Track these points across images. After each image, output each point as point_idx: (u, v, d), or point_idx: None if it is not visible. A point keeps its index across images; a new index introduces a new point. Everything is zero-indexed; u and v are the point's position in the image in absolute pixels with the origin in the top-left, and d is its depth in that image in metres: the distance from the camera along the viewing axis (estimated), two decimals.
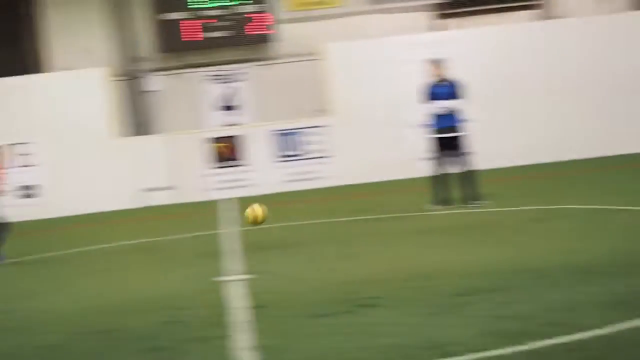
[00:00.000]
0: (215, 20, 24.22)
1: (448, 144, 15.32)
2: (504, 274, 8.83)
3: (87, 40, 24.15)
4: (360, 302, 8.23)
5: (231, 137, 23.36)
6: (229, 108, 24.73)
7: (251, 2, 24.35)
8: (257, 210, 12.39)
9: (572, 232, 11.67)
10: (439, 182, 15.40)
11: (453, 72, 15.84)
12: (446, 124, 15.35)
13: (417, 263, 10.22)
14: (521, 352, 5.92)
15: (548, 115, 22.91)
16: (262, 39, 24.41)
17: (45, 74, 23.87)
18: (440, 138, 15.37)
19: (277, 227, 14.71)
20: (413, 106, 17.05)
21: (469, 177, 15.34)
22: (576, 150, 22.53)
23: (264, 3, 24.37)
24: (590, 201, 14.32)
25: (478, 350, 6.03)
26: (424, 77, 15.90)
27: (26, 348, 7.86)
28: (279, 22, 24.48)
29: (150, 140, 23.41)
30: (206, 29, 24.22)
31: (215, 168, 23.08)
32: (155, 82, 24.39)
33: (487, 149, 18.74)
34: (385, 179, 22.09)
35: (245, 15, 24.25)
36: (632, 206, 13.09)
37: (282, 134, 23.22)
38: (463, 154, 15.36)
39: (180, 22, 24.13)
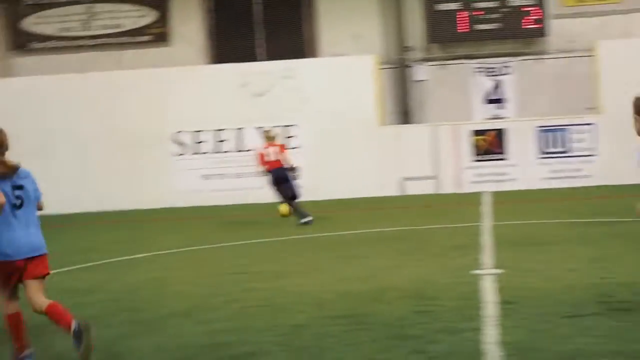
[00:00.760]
0: (483, 13, 23.99)
1: None
2: None
3: (357, 26, 24.61)
4: (613, 305, 7.97)
5: (494, 130, 23.14)
6: (493, 101, 24.50)
7: None
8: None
9: None
10: None
11: None
12: None
13: None
14: None
15: None
16: (535, 33, 23.93)
17: (315, 58, 24.54)
18: None
19: (532, 224, 14.46)
20: None
21: None
22: None
23: None
24: None
25: None
26: None
27: (279, 326, 8.20)
28: (552, 16, 23.93)
29: (415, 130, 23.59)
30: (476, 21, 24.06)
31: (476, 161, 22.96)
32: (423, 72, 24.54)
33: None
34: None
35: (521, 9, 23.85)
36: None
37: (547, 130, 22.75)
38: None
39: (457, 12, 24.05)
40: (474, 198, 20.21)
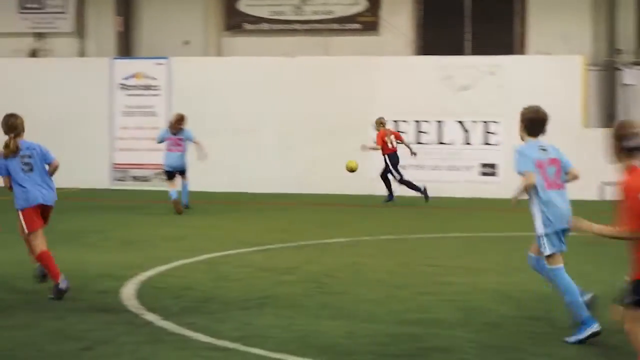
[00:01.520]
0: None
1: None
2: None
3: (566, 25, 24.21)
4: None
5: None
6: None
7: None
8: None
9: None
10: None
11: None
12: None
13: None
14: None
15: None
16: None
17: (522, 56, 24.33)
18: None
19: None
20: None
21: None
22: None
23: None
24: None
25: None
26: None
27: (472, 323, 8.39)
28: None
29: None
30: None
31: None
32: (632, 76, 23.89)
33: None
34: None
35: None
36: None
37: None
38: None
39: None
40: None
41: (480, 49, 24.03)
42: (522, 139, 8.31)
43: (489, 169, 23.14)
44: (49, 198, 9.65)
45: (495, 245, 14.06)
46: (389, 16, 25.04)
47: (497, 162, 23.08)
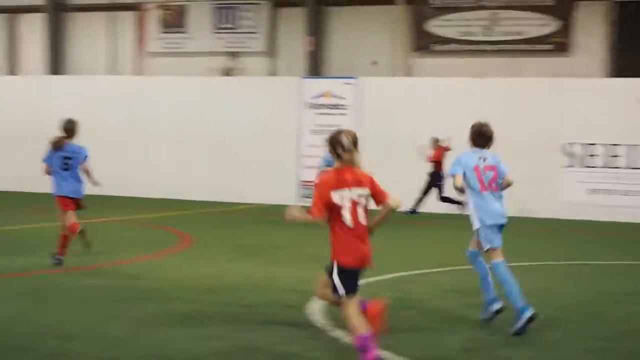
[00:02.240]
0: None
1: None
2: None
3: None
4: None
5: None
6: None
7: None
8: None
9: None
10: None
11: None
12: None
13: None
14: None
15: None
16: None
17: None
18: None
19: None
20: None
21: None
22: None
23: None
24: None
25: None
26: None
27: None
28: None
29: None
30: None
31: None
32: None
33: None
34: None
35: None
36: None
37: None
38: None
39: None
40: None
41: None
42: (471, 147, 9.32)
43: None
44: (76, 192, 12.49)
45: None
46: (581, 37, 24.54)
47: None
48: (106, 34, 29.00)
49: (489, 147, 9.35)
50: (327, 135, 7.57)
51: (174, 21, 28.23)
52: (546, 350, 8.09)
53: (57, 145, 12.43)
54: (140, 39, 28.57)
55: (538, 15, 24.93)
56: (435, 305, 10.21)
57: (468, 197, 9.16)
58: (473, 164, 9.12)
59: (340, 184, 7.24)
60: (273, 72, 27.36)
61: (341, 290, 7.21)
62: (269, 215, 21.86)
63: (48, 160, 12.54)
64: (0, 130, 28.12)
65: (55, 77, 28.76)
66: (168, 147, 26.54)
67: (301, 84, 25.58)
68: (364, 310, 7.29)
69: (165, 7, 28.25)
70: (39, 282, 11.09)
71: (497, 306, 9.15)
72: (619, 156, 22.75)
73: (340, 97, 25.18)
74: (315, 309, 9.49)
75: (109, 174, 19.86)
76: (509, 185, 9.29)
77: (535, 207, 22.76)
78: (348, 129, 7.54)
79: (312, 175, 24.76)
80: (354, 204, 7.28)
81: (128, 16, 28.74)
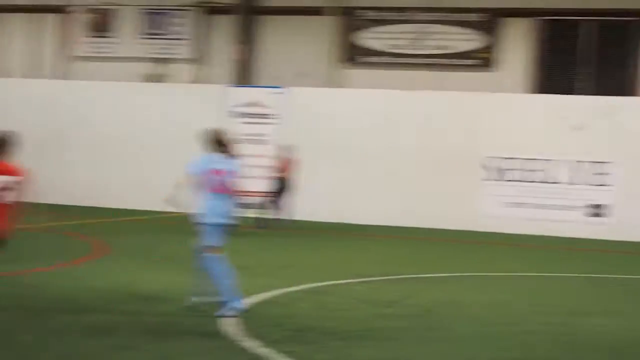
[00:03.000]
0: None
1: None
2: None
3: None
4: None
5: None
6: None
7: None
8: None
9: None
10: None
11: None
12: None
13: None
14: None
15: None
16: None
17: (637, 97, 23.82)
18: None
19: None
20: None
21: None
22: None
23: None
24: None
25: None
26: None
27: None
28: None
29: None
30: None
31: None
32: None
33: None
34: None
35: None
36: None
37: None
38: None
39: None
40: None
41: (595, 89, 23.65)
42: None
43: (597, 210, 22.70)
44: None
45: (597, 287, 13.82)
46: (505, 54, 24.88)
47: (606, 203, 22.66)
48: (27, 36, 28.51)
49: (225, 152, 10.18)
50: None
51: (101, 25, 27.93)
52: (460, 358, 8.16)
53: None
54: (65, 42, 28.18)
55: (465, 30, 25.23)
56: (351, 315, 10.24)
57: (199, 197, 9.92)
58: (208, 166, 9.96)
59: None
60: (201, 80, 27.22)
61: None
62: (188, 224, 21.70)
63: None
64: None
65: None
66: (87, 152, 26.15)
67: (228, 93, 25.50)
68: None
69: (92, 11, 27.93)
70: None
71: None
72: (537, 170, 23.10)
73: (267, 107, 25.16)
74: (230, 320, 9.46)
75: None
76: (238, 190, 10.18)
77: (453, 219, 23.01)
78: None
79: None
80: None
81: (51, 18, 28.29)
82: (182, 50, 27.37)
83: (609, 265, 17.06)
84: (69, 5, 28.00)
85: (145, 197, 24.32)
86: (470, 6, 24.96)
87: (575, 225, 22.62)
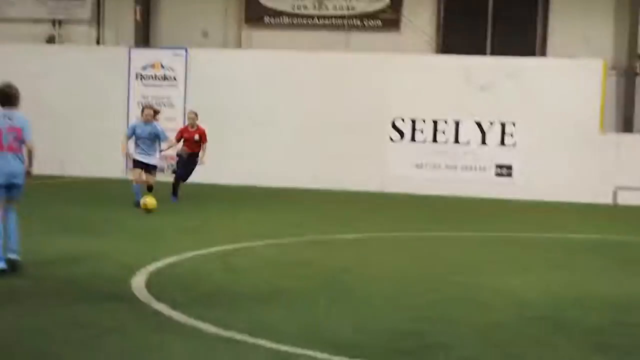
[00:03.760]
0: None
1: None
2: None
3: (588, 29, 24.13)
4: None
5: None
6: None
7: None
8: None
9: None
10: None
11: None
12: None
13: None
14: None
15: None
16: None
17: (542, 58, 24.22)
18: None
19: None
20: None
21: None
22: None
23: None
24: None
25: None
26: None
27: (477, 321, 8.34)
28: None
29: (634, 139, 22.97)
30: None
31: None
32: None
33: None
34: None
35: None
36: None
37: None
38: None
39: None
40: None
41: (502, 51, 23.97)
42: None
43: (504, 170, 23.05)
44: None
45: (506, 245, 14.00)
46: (410, 15, 24.97)
47: (512, 163, 23.02)
48: None
49: (15, 108, 9.77)
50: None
51: None
52: (371, 318, 8.14)
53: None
54: None
55: None
56: (262, 276, 10.17)
57: None
58: None
59: None
60: (100, 42, 26.66)
61: None
62: (94, 189, 21.35)
63: None
64: None
65: None
66: None
67: (129, 55, 25.02)
68: None
69: None
70: None
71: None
72: (444, 131, 23.33)
73: (170, 69, 24.78)
74: (140, 284, 9.29)
75: None
76: (30, 150, 9.78)
77: (362, 181, 23.14)
78: None
79: None
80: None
81: None
82: (80, 11, 26.72)
83: (516, 224, 17.31)
84: None
85: (48, 162, 23.83)
86: None
87: (484, 186, 22.94)
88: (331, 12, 25.45)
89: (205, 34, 25.94)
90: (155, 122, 17.58)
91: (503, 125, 23.06)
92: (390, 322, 8.05)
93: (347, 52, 24.51)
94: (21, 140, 9.72)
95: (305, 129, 23.69)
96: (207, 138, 18.74)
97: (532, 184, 22.64)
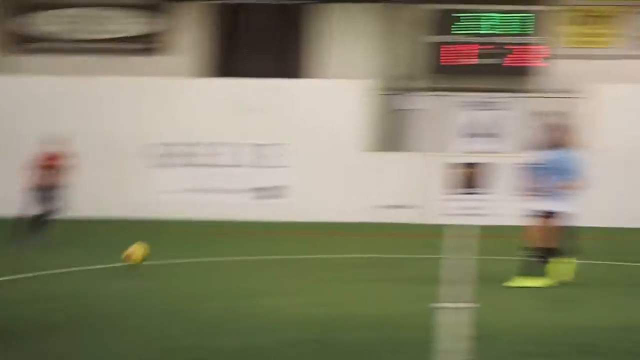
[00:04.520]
0: (477, 47, 24.17)
1: None
2: None
3: (351, 51, 24.62)
4: (576, 347, 8.03)
5: (476, 164, 23.18)
6: (481, 135, 24.50)
7: (527, 33, 24.07)
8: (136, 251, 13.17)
9: None
10: None
11: None
12: None
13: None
14: None
15: None
16: (521, 72, 24.04)
17: (306, 79, 24.46)
18: None
19: (506, 260, 14.52)
20: None
21: None
22: None
23: (540, 36, 24.03)
24: None
25: None
26: None
27: (247, 346, 8.20)
28: (549, 56, 24.01)
29: (397, 158, 23.56)
30: (468, 55, 24.16)
31: (456, 193, 22.98)
32: (412, 101, 24.52)
33: None
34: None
35: (505, 47, 24.06)
36: None
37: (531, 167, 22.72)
38: None
39: (442, 46, 24.19)
40: (452, 230, 20.09)
41: (266, 73, 24.02)
42: None
43: (270, 192, 23.10)
44: None
45: (275, 267, 14.02)
46: (178, 38, 24.77)
47: (280, 185, 23.10)
48: None
49: None
50: None
51: None
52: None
53: None
54: None
55: (136, 14, 24.89)
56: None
57: None
58: None
59: None
60: None
61: None
62: None
63: None
64: None
65: None
66: None
67: None
68: None
69: None
70: None
71: None
72: (203, 155, 23.13)
73: None
74: None
75: None
76: None
77: (119, 207, 22.43)
78: None
79: None
80: None
81: None
82: None
83: (284, 246, 17.35)
84: None
85: None
86: None
87: (244, 208, 22.81)
88: (97, 36, 24.87)
89: None
90: None
91: (263, 147, 23.13)
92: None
93: (107, 76, 23.90)
94: None
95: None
96: None
97: (304, 205, 22.73)
